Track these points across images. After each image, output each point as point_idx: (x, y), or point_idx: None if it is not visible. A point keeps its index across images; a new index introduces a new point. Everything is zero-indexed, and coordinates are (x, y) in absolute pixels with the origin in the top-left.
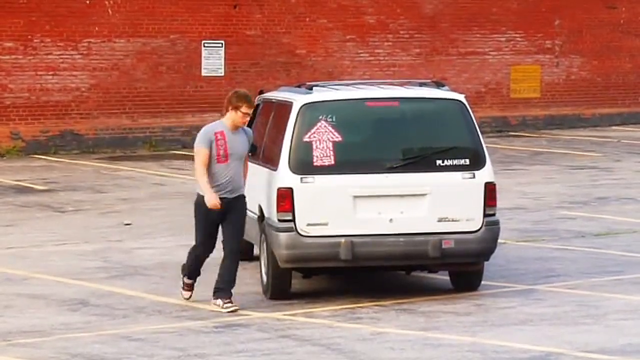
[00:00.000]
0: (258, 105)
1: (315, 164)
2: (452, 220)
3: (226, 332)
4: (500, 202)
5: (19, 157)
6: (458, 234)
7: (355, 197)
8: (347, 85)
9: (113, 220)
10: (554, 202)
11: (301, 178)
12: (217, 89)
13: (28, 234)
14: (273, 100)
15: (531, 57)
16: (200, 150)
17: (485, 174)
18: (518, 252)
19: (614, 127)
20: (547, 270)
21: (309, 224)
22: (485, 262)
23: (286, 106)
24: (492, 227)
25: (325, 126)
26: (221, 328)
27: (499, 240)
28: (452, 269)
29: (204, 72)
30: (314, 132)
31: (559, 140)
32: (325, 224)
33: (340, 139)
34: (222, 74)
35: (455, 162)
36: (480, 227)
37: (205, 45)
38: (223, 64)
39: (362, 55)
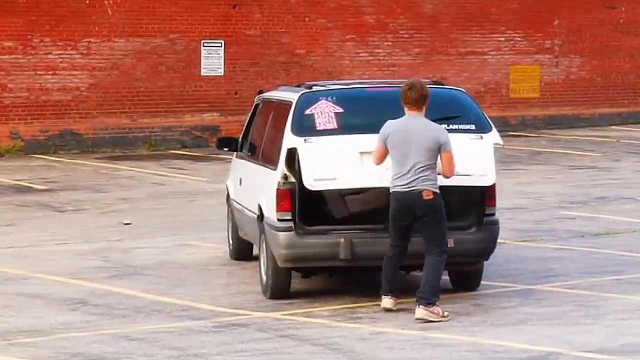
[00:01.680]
0: (257, 105)
1: (318, 128)
2: (465, 175)
3: (225, 331)
4: (500, 202)
5: (19, 157)
6: (457, 233)
7: (362, 152)
8: (348, 83)
9: (112, 219)
10: (553, 202)
11: (305, 139)
12: (217, 89)
13: (27, 233)
14: (272, 100)
15: (530, 57)
16: None
17: (493, 136)
18: (517, 252)
19: (613, 127)
20: (547, 270)
21: (316, 179)
22: (485, 262)
23: (286, 106)
24: (491, 226)
25: (326, 103)
26: (220, 328)
27: (499, 240)
28: (451, 268)
29: (203, 72)
30: (315, 107)
31: (558, 140)
32: (333, 179)
33: (342, 110)
34: (222, 74)
35: (462, 126)
36: (494, 185)
37: (205, 44)
38: (223, 63)
39: (361, 55)
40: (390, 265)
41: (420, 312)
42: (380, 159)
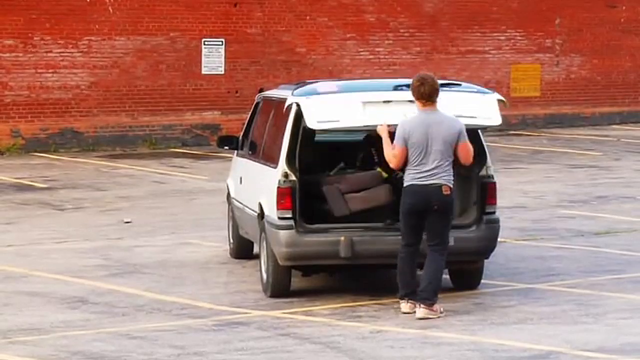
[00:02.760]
0: (258, 103)
1: (319, 91)
2: (470, 117)
3: (226, 330)
4: (500, 201)
5: (19, 155)
6: (458, 231)
7: (365, 102)
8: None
9: (113, 218)
10: (553, 200)
11: (307, 96)
12: (217, 87)
13: (28, 231)
14: (273, 99)
15: (531, 56)
16: None
17: (496, 95)
18: (518, 251)
19: (613, 126)
20: (547, 269)
21: (319, 121)
22: (485, 261)
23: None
24: (492, 225)
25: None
26: (221, 326)
27: (499, 239)
28: (452, 267)
29: (204, 70)
30: (317, 83)
31: (558, 139)
32: (337, 120)
33: (342, 82)
34: (222, 72)
35: (463, 88)
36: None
37: (206, 43)
38: (223, 62)
39: (362, 53)
40: (405, 267)
41: (422, 312)
42: (401, 162)
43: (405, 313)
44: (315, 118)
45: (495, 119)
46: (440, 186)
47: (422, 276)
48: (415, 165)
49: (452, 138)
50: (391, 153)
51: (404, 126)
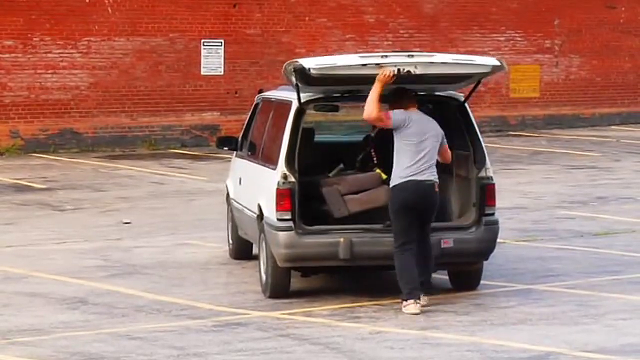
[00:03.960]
0: (257, 104)
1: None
2: (468, 61)
3: (225, 331)
4: (500, 202)
5: (18, 156)
6: (457, 232)
7: (362, 56)
8: None
9: (112, 218)
10: (553, 201)
11: (309, 69)
12: (217, 88)
13: (27, 232)
14: (272, 100)
15: (530, 57)
16: None
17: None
18: (517, 252)
19: (613, 127)
20: (546, 269)
21: (317, 64)
22: (485, 262)
23: (285, 105)
24: (491, 226)
25: None
26: (220, 327)
27: (498, 240)
28: (451, 268)
29: (203, 71)
30: None
31: (558, 140)
32: (334, 63)
33: None
34: (222, 73)
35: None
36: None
37: (205, 44)
38: (222, 63)
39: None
40: (409, 264)
41: (426, 299)
42: (377, 120)
43: (414, 314)
44: (313, 62)
45: (492, 62)
46: (433, 184)
47: (420, 270)
48: (411, 163)
49: (440, 139)
50: (376, 107)
51: (399, 114)
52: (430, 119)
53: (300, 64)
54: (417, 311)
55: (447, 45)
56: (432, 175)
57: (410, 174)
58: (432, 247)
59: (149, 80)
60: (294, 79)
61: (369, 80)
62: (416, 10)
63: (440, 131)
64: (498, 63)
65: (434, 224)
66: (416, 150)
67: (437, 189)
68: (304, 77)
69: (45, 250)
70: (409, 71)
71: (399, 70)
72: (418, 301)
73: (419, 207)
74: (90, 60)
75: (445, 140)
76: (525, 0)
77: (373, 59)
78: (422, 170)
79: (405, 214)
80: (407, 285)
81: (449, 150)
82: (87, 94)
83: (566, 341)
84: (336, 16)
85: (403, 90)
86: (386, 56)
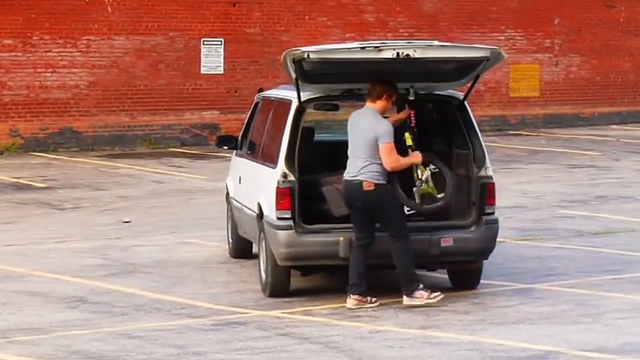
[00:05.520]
0: (257, 103)
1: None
2: (466, 46)
3: (225, 329)
4: (500, 201)
5: (18, 155)
6: (457, 232)
7: (363, 47)
8: None
9: (112, 217)
10: (553, 200)
11: (307, 54)
12: (217, 87)
13: (27, 231)
14: (272, 99)
15: (530, 56)
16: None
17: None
18: (517, 251)
19: (613, 126)
20: (546, 269)
21: (316, 50)
22: (484, 261)
23: (285, 104)
24: (491, 225)
25: None
26: (220, 326)
27: (498, 239)
28: (451, 267)
29: (203, 70)
30: None
31: (558, 139)
32: (333, 49)
33: None
34: (222, 72)
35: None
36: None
37: (205, 42)
38: (222, 61)
39: None
40: (354, 261)
41: (351, 302)
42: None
43: (350, 309)
44: (312, 48)
45: (485, 52)
46: (360, 182)
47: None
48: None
49: (372, 134)
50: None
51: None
52: (370, 114)
53: (300, 52)
54: (350, 306)
55: None
56: (359, 174)
57: (345, 173)
58: (433, 246)
59: (149, 79)
60: (292, 72)
61: (368, 76)
62: (416, 9)
63: (376, 128)
64: (497, 49)
65: (434, 223)
66: (349, 149)
67: (368, 187)
68: (303, 71)
69: (45, 249)
70: (407, 54)
71: (398, 53)
72: (352, 296)
73: (355, 207)
74: (90, 59)
75: (384, 140)
76: None
77: (372, 51)
78: (348, 169)
79: (351, 213)
80: (349, 278)
81: (388, 154)
82: (86, 93)
83: (566, 340)
84: (336, 15)
85: (377, 82)
86: (385, 44)
